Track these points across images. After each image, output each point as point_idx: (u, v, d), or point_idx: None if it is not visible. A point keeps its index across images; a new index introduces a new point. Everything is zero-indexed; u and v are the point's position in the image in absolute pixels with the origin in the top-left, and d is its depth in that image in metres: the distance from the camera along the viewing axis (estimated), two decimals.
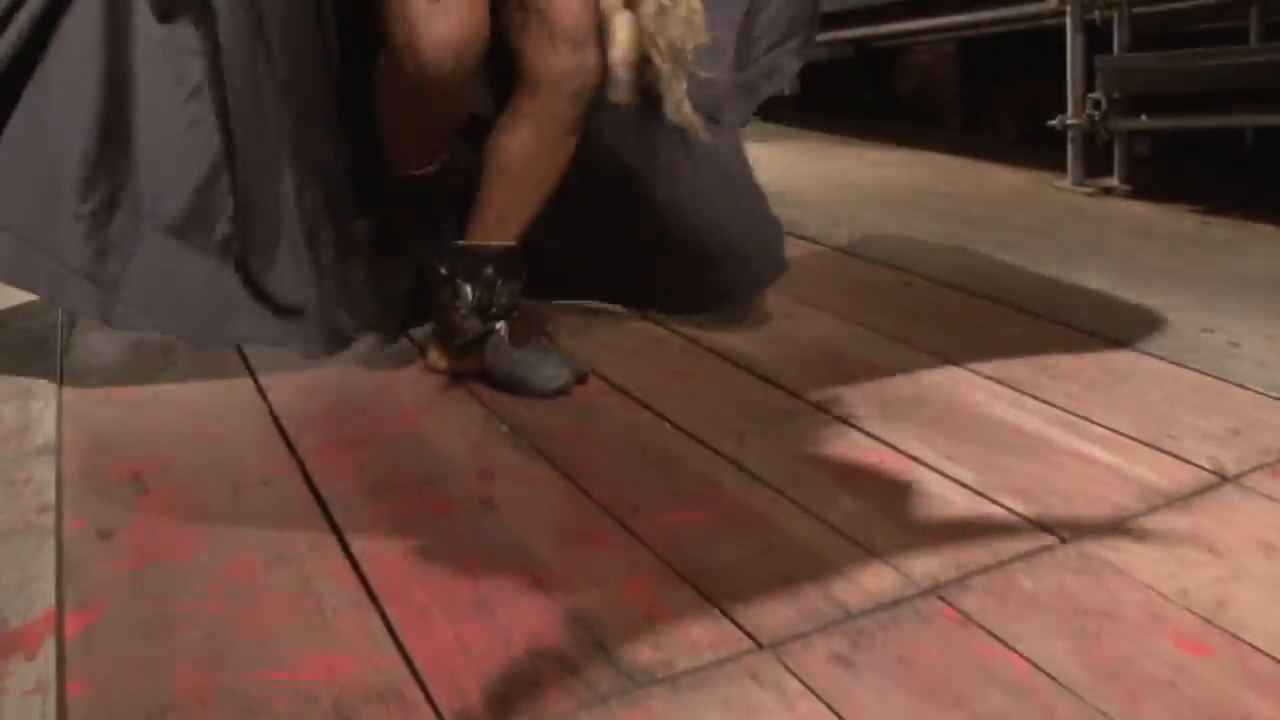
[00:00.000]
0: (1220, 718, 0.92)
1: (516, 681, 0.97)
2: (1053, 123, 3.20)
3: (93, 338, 1.97)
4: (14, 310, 2.10)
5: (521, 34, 1.65)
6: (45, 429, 1.56)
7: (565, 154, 1.71)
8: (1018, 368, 1.76)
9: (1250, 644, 1.03)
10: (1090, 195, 3.16)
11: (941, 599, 1.11)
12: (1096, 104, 3.07)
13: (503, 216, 1.70)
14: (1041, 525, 1.26)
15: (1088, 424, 1.54)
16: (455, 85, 1.57)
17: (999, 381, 1.71)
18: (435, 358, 1.76)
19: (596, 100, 1.70)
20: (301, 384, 1.74)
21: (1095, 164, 3.25)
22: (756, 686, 0.97)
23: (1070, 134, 3.19)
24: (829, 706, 0.94)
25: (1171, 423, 1.54)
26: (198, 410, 1.65)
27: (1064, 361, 1.80)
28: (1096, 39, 3.21)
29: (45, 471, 1.41)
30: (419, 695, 0.96)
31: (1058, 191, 3.23)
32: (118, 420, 1.62)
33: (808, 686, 0.97)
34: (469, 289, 1.68)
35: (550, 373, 1.67)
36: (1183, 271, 2.36)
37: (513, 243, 1.70)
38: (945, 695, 0.95)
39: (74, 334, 2.00)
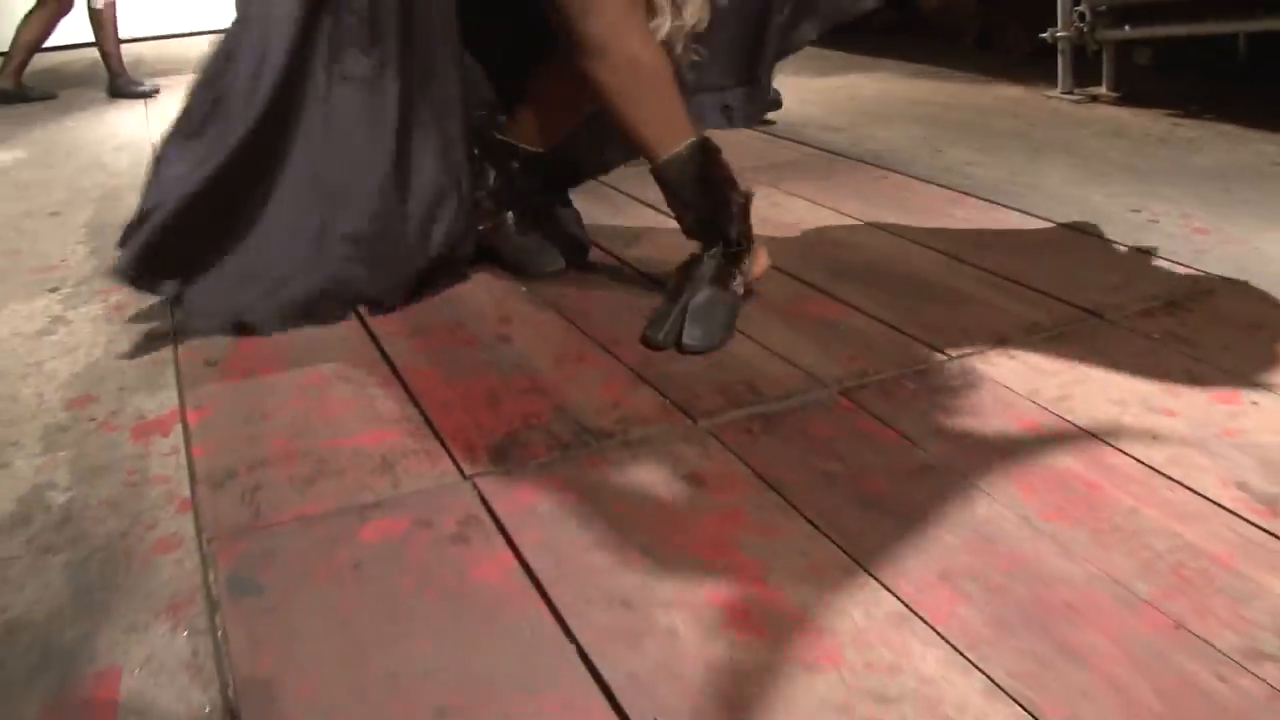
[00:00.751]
0: (1037, 470, 1.26)
1: (512, 444, 1.34)
2: (1044, 35, 3.45)
3: None
4: (109, 209, 2.50)
5: None
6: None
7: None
8: (958, 240, 2.08)
9: (1074, 423, 1.36)
10: (1078, 102, 3.42)
11: (843, 394, 1.45)
12: (1083, 16, 3.32)
13: (538, 127, 1.91)
14: (934, 347, 1.59)
15: (1002, 280, 1.86)
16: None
17: (939, 251, 2.03)
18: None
19: None
20: None
21: (1093, 75, 3.49)
22: (686, 445, 1.33)
23: (1060, 45, 3.44)
24: (738, 456, 1.29)
25: (1073, 278, 1.85)
26: None
27: (1000, 236, 2.12)
28: None
29: (161, 324, 1.80)
30: (441, 451, 1.33)
31: (1048, 100, 3.49)
32: None
33: (724, 445, 1.32)
34: (493, 174, 1.92)
35: (547, 258, 1.96)
36: (1137, 166, 2.63)
37: (542, 149, 1.91)
38: (828, 453, 1.30)
39: None
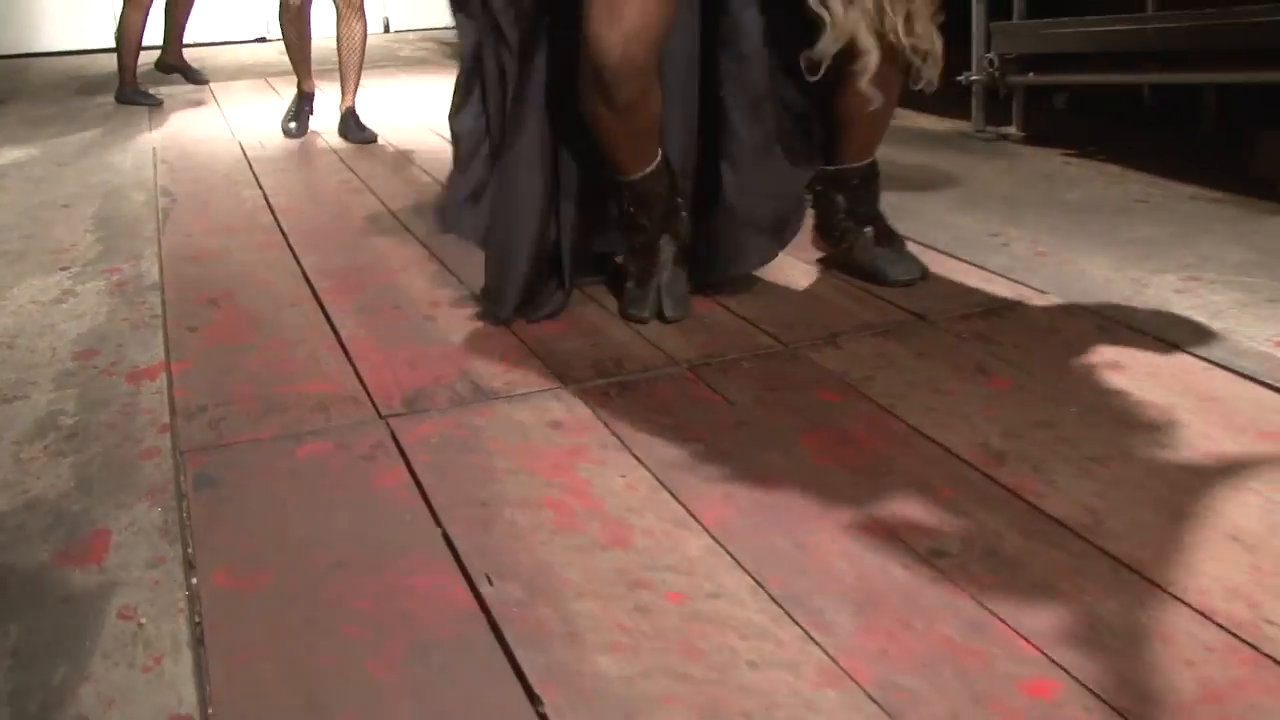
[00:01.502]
0: (825, 428, 1.63)
1: (421, 395, 1.72)
2: (959, 79, 3.83)
3: (176, 223, 2.74)
4: (113, 202, 2.88)
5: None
6: (152, 276, 2.33)
7: (893, 87, 2.09)
8: (831, 256, 2.46)
9: (868, 396, 1.73)
10: (987, 139, 3.81)
11: (690, 370, 1.83)
12: (992, 63, 3.71)
13: (858, 146, 2.22)
14: (775, 338, 1.97)
15: (854, 288, 2.24)
16: (625, 75, 1.82)
17: (810, 264, 2.40)
18: (816, 241, 2.34)
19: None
20: (326, 253, 2.49)
21: (1028, 115, 3.87)
22: (555, 402, 1.71)
23: (973, 88, 3.83)
24: (592, 410, 1.67)
25: (915, 289, 2.23)
26: (252, 267, 2.40)
27: None
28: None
29: (154, 299, 2.18)
30: (366, 399, 1.71)
31: (962, 136, 3.88)
32: (199, 271, 2.38)
33: (585, 403, 1.70)
34: (841, 198, 2.25)
35: (904, 267, 2.24)
36: (1015, 197, 3.02)
37: (870, 158, 2.25)
38: (664, 411, 1.68)
39: (166, 222, 2.78)
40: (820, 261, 2.40)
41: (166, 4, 5.00)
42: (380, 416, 1.64)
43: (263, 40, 7.68)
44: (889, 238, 2.29)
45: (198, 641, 1.11)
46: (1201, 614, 1.17)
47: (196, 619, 1.15)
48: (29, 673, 1.07)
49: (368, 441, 1.56)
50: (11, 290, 2.27)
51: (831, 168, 2.24)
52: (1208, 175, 3.19)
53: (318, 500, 1.41)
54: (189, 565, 1.26)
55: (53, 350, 1.92)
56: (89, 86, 5.52)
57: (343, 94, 3.95)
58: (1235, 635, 1.13)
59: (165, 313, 2.08)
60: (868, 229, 2.26)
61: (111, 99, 4.95)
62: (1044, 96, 4.24)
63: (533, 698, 1.04)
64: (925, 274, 2.25)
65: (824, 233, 2.32)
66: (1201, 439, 1.58)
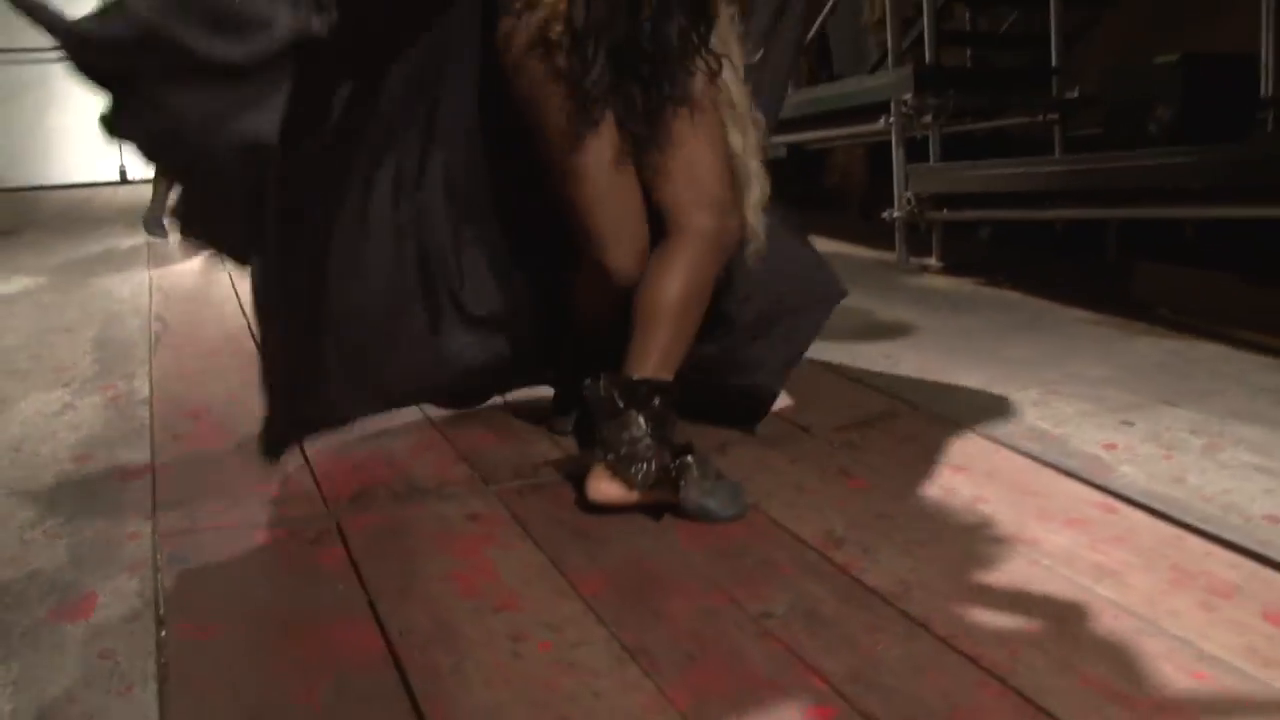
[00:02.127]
0: (709, 526, 1.95)
1: (365, 493, 2.04)
2: (884, 215, 4.25)
3: (166, 346, 3.09)
4: (111, 327, 3.24)
5: (668, 193, 1.95)
6: (143, 392, 2.67)
7: (710, 295, 2.02)
8: None
9: (763, 511, 2.05)
10: (908, 271, 4.20)
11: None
12: (909, 201, 4.12)
13: (666, 355, 1.93)
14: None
15: None
16: (638, 277, 1.96)
17: None
18: (605, 486, 1.91)
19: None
20: None
21: (951, 247, 4.27)
22: (475, 498, 2.03)
23: (897, 223, 4.24)
24: (505, 506, 1.99)
25: (805, 402, 2.57)
26: (230, 386, 2.75)
27: None
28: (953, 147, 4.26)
29: (143, 412, 2.51)
30: (318, 496, 2.03)
31: (888, 267, 4.27)
32: (184, 388, 2.72)
33: (500, 500, 2.02)
34: (643, 419, 1.89)
35: (728, 498, 1.93)
36: (916, 322, 3.38)
37: (670, 378, 1.95)
38: (565, 509, 1.99)
39: (158, 345, 3.13)
40: None
41: None
42: (329, 510, 1.97)
43: None
44: (704, 463, 1.94)
45: (163, 676, 1.42)
46: (969, 658, 1.48)
47: (163, 659, 1.46)
48: (26, 695, 1.37)
49: (316, 529, 1.88)
50: (19, 404, 2.60)
51: (636, 376, 1.93)
52: (1098, 300, 3.58)
53: (269, 573, 1.73)
54: (159, 620, 1.57)
55: (54, 454, 2.24)
56: (94, 218, 5.96)
57: None
58: (990, 673, 1.44)
59: (153, 423, 2.41)
60: (688, 456, 1.93)
61: (119, 230, 5.36)
62: (970, 229, 4.67)
63: (421, 716, 1.35)
64: (744, 510, 1.95)
65: (617, 471, 1.90)
66: (1015, 525, 1.90)
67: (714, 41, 1.96)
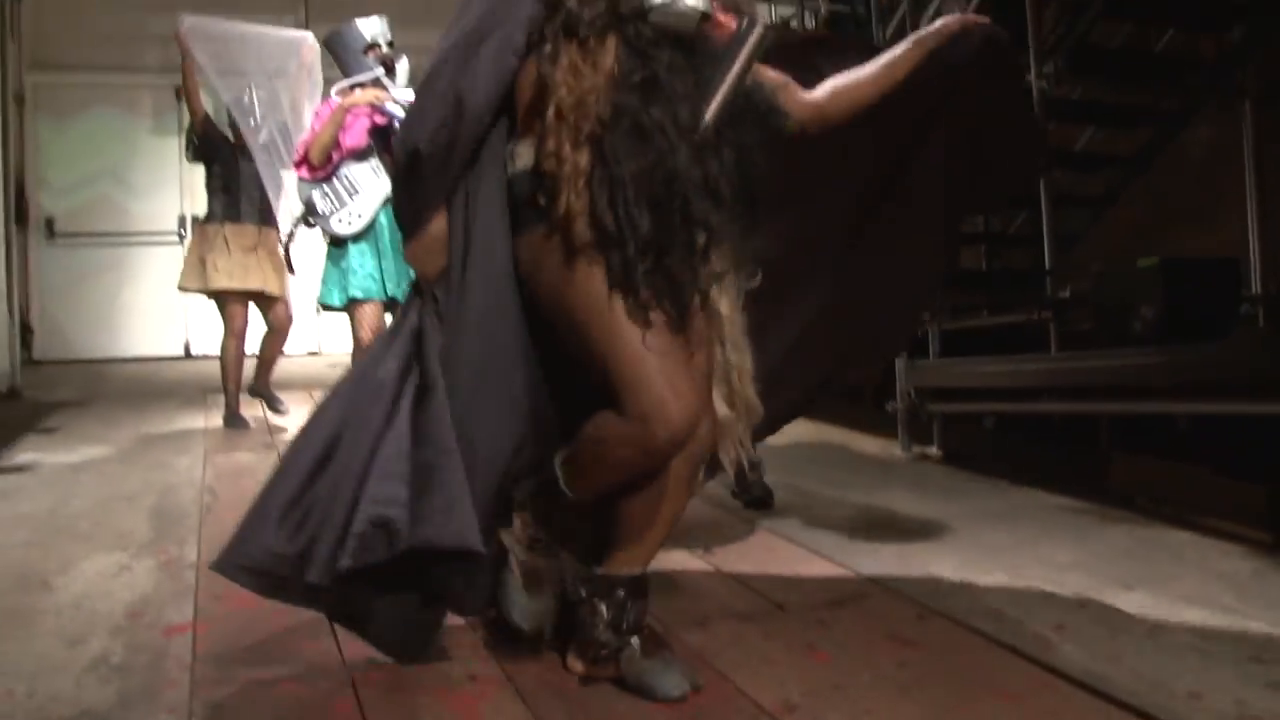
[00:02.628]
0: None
1: (377, 655, 2.30)
2: (887, 406, 4.53)
3: (216, 516, 3.41)
4: (167, 497, 3.57)
5: None
6: (191, 558, 2.97)
7: (684, 497, 2.11)
8: (731, 555, 3.05)
9: (717, 669, 2.28)
10: (910, 458, 4.45)
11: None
12: (909, 394, 4.41)
13: (631, 554, 2.10)
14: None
15: (736, 583, 2.82)
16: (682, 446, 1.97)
17: (709, 564, 2.99)
18: (573, 661, 2.15)
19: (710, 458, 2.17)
20: None
21: (953, 435, 4.53)
22: (478, 661, 2.28)
23: (899, 414, 4.52)
24: (502, 669, 2.24)
25: (785, 582, 2.80)
26: None
27: (767, 552, 3.09)
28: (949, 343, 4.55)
29: (191, 575, 2.80)
30: (339, 659, 2.29)
31: (892, 455, 4.53)
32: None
33: (498, 664, 2.27)
34: (604, 608, 2.07)
35: (673, 681, 2.05)
36: (906, 510, 3.62)
37: (641, 571, 2.11)
38: (554, 671, 2.24)
39: (208, 515, 3.45)
40: (711, 562, 3.00)
41: (263, 336, 5.44)
42: (346, 667, 2.23)
43: (314, 354, 8.62)
44: (656, 646, 2.13)
45: None
46: None
47: None
48: None
49: (332, 682, 2.14)
50: (82, 564, 2.91)
51: (600, 571, 2.11)
52: (1082, 488, 3.80)
53: (286, 715, 1.99)
54: None
55: (110, 610, 2.54)
56: (158, 391, 6.39)
57: None
58: None
59: (198, 586, 2.70)
60: (633, 639, 2.10)
61: (179, 404, 5.77)
62: (975, 418, 4.92)
63: None
64: (697, 685, 2.09)
65: (580, 650, 2.15)
66: (957, 697, 2.12)
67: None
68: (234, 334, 5.20)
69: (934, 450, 4.49)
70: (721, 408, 2.14)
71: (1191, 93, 5.16)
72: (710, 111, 1.97)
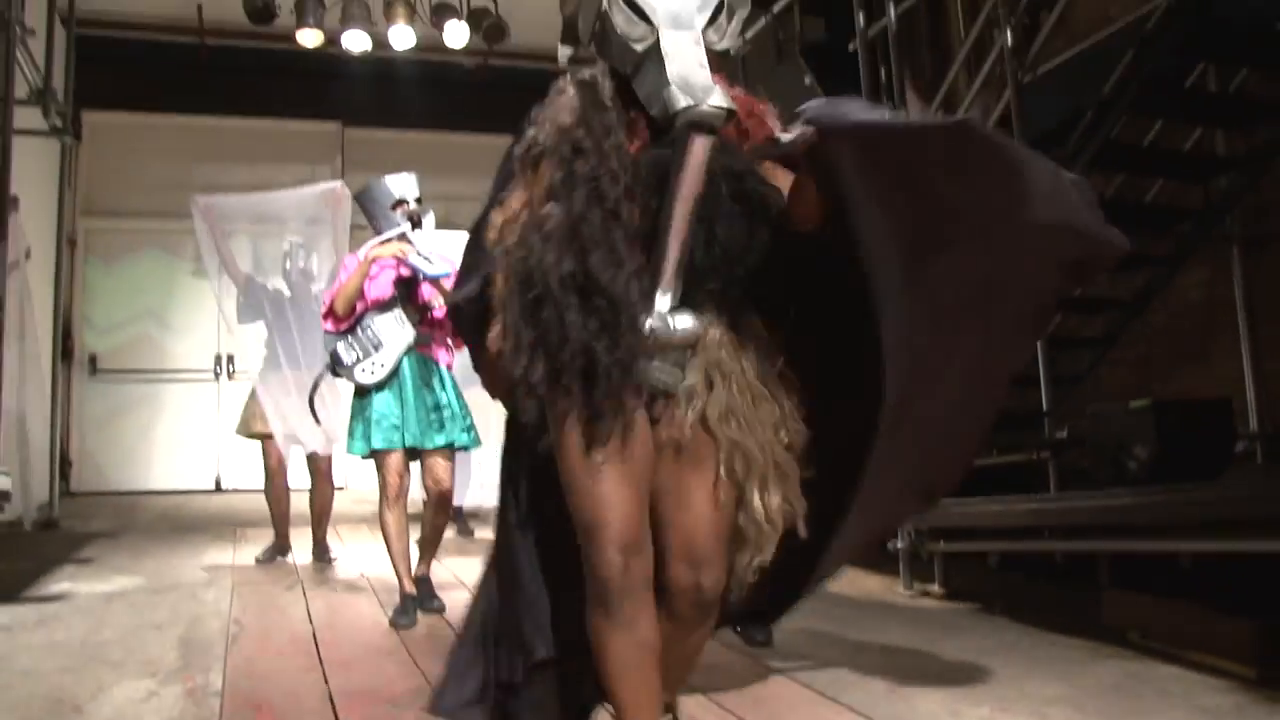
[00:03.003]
0: None
1: None
2: (888, 546, 4.67)
3: (240, 646, 3.58)
4: (195, 627, 3.75)
5: (658, 535, 1.90)
6: (216, 685, 3.14)
7: (700, 637, 2.01)
8: (711, 676, 3.18)
9: None
10: (912, 595, 4.57)
11: None
12: (910, 534, 4.55)
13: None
14: None
15: (706, 700, 2.94)
16: (628, 583, 1.82)
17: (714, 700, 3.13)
18: None
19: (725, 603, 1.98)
20: (349, 678, 3.28)
21: (956, 573, 4.64)
22: None
23: (900, 554, 4.65)
24: None
25: (753, 706, 2.93)
26: (291, 684, 3.20)
27: (738, 677, 3.21)
28: None
29: (215, 702, 2.97)
30: None
31: (888, 593, 4.65)
32: (251, 684, 3.18)
33: None
34: None
35: None
36: (902, 644, 3.74)
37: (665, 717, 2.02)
38: None
39: (233, 645, 3.62)
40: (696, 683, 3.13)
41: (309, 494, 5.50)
42: None
43: (340, 489, 8.80)
44: None
45: None
46: None
47: None
48: None
49: None
50: (112, 690, 3.08)
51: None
52: (1079, 624, 3.91)
53: None
54: None
55: None
56: (186, 524, 6.60)
57: (420, 561, 4.29)
58: None
59: (222, 712, 2.86)
60: None
61: (208, 537, 5.97)
62: (979, 555, 5.04)
63: None
64: None
65: None
66: None
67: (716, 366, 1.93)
68: (269, 473, 5.40)
69: (936, 588, 4.61)
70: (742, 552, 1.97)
71: (1182, 239, 5.40)
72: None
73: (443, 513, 4.27)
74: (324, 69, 8.42)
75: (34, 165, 6.35)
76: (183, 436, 8.71)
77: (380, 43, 7.50)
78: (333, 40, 7.48)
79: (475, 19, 7.61)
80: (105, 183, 8.92)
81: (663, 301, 1.91)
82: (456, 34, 7.44)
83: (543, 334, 1.82)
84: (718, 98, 1.78)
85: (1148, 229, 5.53)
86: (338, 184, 5.76)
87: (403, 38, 7.31)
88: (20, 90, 5.55)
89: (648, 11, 1.88)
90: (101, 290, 8.87)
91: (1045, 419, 4.96)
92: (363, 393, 4.19)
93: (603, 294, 1.80)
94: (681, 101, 1.77)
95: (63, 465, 7.50)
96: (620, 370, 1.81)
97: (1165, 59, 4.75)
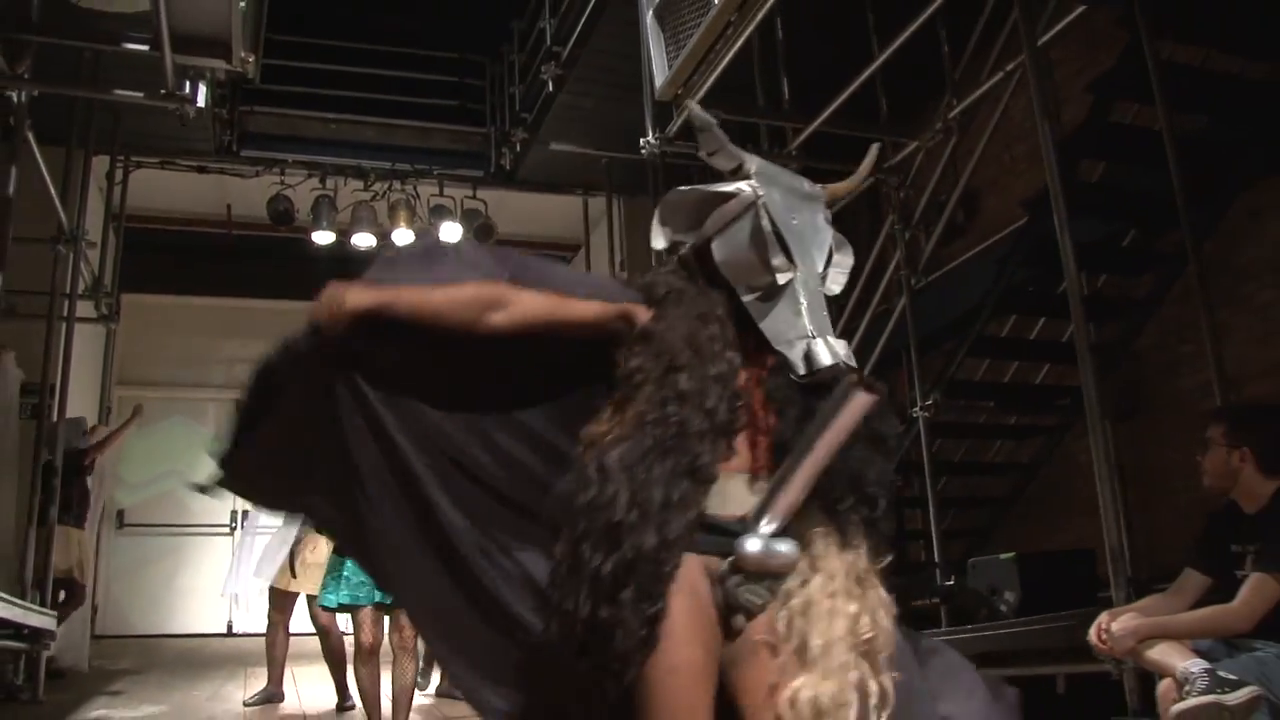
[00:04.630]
0: None
1: None
2: None
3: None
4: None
5: None
6: None
7: None
8: None
9: None
10: None
11: None
12: None
13: None
14: None
15: None
16: None
17: None
18: None
19: None
20: None
21: None
22: None
23: None
24: None
25: None
26: None
27: None
28: None
29: None
30: None
31: None
32: None
33: None
34: None
35: None
36: None
37: None
38: None
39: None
40: None
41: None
42: None
43: (346, 635, 9.55)
44: None
45: None
46: None
47: None
48: None
49: None
50: None
51: None
52: None
53: None
54: None
55: None
56: (204, 663, 7.42)
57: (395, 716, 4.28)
58: None
59: None
60: None
61: (223, 675, 6.75)
62: None
63: None
64: None
65: None
66: None
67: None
68: (270, 620, 5.96)
69: None
70: None
71: (1062, 412, 6.36)
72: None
73: (412, 666, 4.35)
74: (337, 255, 9.50)
75: (81, 347, 7.29)
76: (199, 584, 9.54)
77: (385, 241, 8.56)
78: (344, 232, 8.56)
79: (468, 218, 8.77)
80: (138, 356, 9.97)
81: (767, 527, 1.84)
82: (451, 232, 8.56)
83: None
84: (848, 355, 1.81)
85: (1033, 405, 6.52)
86: None
87: (404, 238, 8.41)
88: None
89: (790, 243, 1.84)
90: (132, 452, 9.82)
91: (936, 569, 5.85)
92: (340, 550, 4.32)
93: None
94: (827, 359, 1.79)
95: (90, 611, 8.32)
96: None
97: (1016, 271, 5.80)
